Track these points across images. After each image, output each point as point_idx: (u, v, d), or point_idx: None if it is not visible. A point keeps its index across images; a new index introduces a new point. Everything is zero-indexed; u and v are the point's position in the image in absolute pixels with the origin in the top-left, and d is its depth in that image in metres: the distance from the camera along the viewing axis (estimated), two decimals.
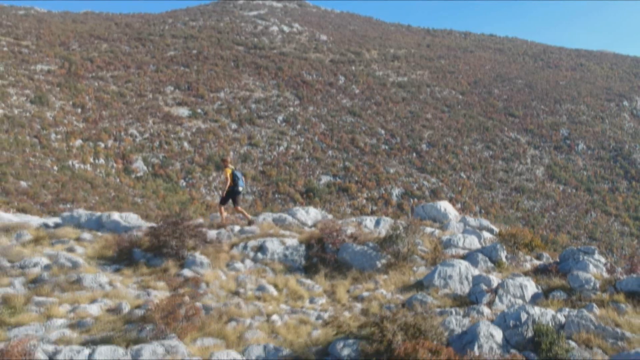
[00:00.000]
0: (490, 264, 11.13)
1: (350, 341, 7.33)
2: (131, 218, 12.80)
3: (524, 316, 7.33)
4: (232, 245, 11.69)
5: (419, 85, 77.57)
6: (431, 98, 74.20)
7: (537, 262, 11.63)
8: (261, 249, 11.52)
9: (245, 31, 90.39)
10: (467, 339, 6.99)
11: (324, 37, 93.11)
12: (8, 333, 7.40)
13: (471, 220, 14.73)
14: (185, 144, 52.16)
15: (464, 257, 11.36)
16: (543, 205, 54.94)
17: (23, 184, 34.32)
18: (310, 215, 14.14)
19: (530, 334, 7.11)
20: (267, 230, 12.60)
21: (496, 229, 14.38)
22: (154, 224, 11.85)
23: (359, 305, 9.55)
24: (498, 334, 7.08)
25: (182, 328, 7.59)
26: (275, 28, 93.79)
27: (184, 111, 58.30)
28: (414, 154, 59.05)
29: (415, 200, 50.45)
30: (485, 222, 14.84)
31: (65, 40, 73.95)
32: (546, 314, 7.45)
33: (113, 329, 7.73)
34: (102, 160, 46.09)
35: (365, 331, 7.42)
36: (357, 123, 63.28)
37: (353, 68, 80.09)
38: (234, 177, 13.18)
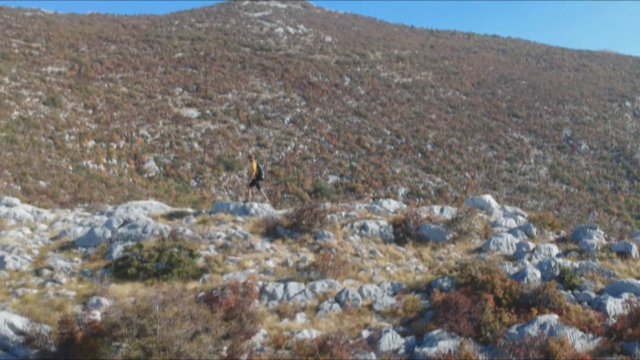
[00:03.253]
0: (525, 237, 15.41)
1: (447, 278, 11.53)
2: (266, 206, 17.41)
3: (553, 263, 11.91)
4: (342, 225, 15.98)
5: (424, 86, 78.49)
6: (435, 99, 75.11)
7: (557, 236, 15.89)
8: (363, 227, 15.75)
9: (251, 33, 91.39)
10: (519, 276, 11.35)
11: (328, 39, 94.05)
12: (221, 277, 11.78)
13: (508, 208, 19.41)
14: (195, 145, 53.17)
15: (507, 233, 15.66)
16: (546, 205, 55.79)
17: (42, 183, 35.39)
18: (392, 205, 18.89)
19: (557, 273, 11.49)
20: (364, 215, 17.03)
21: (526, 214, 18.75)
22: (290, 210, 16.66)
23: (441, 262, 13.80)
24: (538, 273, 11.48)
25: (334, 274, 11.98)
26: (280, 29, 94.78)
27: (193, 112, 59.33)
28: (419, 154, 59.96)
29: (421, 199, 51.38)
30: (519, 210, 19.29)
31: (74, 42, 75.02)
32: (566, 263, 12.12)
33: (290, 274, 12.13)
34: (115, 161, 47.14)
35: (454, 273, 11.68)
36: (363, 124, 64.22)
37: (358, 69, 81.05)
38: (258, 168, 17.84)
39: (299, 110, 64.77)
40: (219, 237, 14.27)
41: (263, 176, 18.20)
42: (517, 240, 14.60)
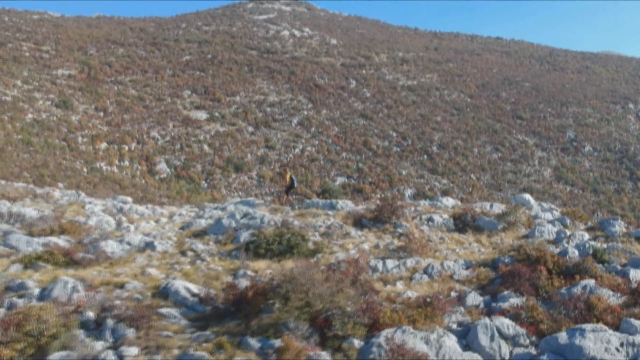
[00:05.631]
0: (561, 226, 18.53)
1: (507, 256, 14.56)
2: (349, 204, 20.59)
3: (587, 245, 15.23)
4: (413, 218, 19.08)
5: (428, 88, 79.27)
6: (440, 101, 75.88)
7: (586, 226, 19.19)
8: (430, 219, 18.87)
9: (257, 36, 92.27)
10: (562, 254, 14.54)
11: (334, 41, 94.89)
12: (330, 256, 14.56)
13: (544, 204, 22.81)
14: (205, 147, 54.01)
15: (547, 223, 18.93)
16: None
17: (60, 185, 36.17)
18: (449, 202, 22.36)
19: (591, 252, 14.56)
20: (429, 210, 20.38)
21: (559, 209, 22.35)
22: (371, 205, 19.97)
23: (499, 245, 16.63)
24: (576, 252, 14.65)
25: (418, 253, 14.89)
26: (286, 32, 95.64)
27: (202, 115, 60.18)
28: (425, 156, 60.73)
29: (428, 200, 52.07)
30: (553, 206, 22.81)
31: (82, 45, 76.00)
32: (596, 245, 15.39)
33: (384, 254, 15.06)
34: (127, 163, 47.98)
35: (512, 252, 14.72)
36: (369, 126, 65.02)
37: (363, 72, 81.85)
38: (291, 179, 22.11)
39: (305, 112, 65.60)
40: (320, 226, 17.54)
41: (296, 185, 22.43)
42: (555, 229, 17.89)
